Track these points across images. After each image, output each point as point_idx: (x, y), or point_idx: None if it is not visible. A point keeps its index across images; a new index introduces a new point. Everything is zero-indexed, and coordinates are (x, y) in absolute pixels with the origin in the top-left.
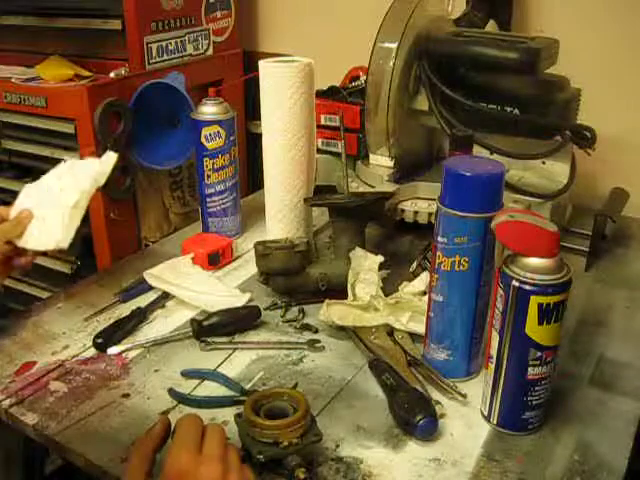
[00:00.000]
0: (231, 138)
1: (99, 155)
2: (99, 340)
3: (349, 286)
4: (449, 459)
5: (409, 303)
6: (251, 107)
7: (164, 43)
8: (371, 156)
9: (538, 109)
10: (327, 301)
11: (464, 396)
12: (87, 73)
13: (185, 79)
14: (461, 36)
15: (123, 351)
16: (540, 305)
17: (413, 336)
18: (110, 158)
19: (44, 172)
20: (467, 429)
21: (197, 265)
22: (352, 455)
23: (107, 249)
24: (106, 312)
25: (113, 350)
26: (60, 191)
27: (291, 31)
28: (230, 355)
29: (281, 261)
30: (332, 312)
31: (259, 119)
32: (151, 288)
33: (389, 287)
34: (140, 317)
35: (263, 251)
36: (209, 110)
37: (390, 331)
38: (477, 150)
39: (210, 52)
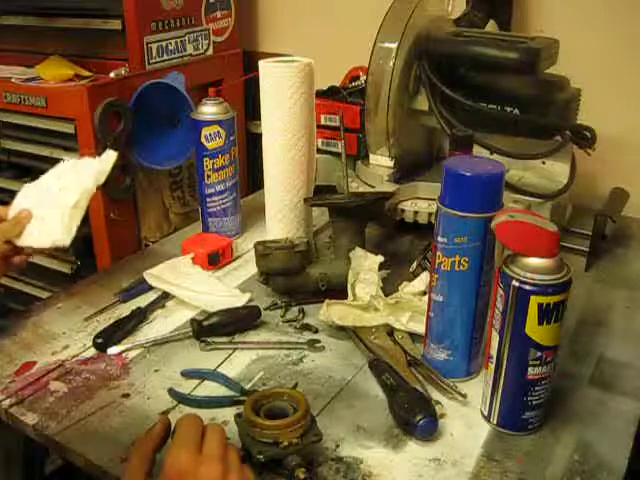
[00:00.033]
0: (231, 138)
1: (99, 155)
2: (99, 340)
3: (349, 286)
4: (449, 459)
5: (409, 303)
6: (251, 107)
7: (164, 43)
8: (371, 156)
9: (538, 109)
10: (327, 301)
11: (464, 396)
12: (87, 73)
13: (185, 79)
14: (461, 36)
15: (123, 351)
16: (540, 305)
17: (413, 336)
18: (110, 156)
19: (44, 172)
20: (467, 429)
21: (197, 265)
22: (352, 455)
23: (107, 249)
24: (106, 312)
25: (113, 350)
26: (59, 191)
27: (291, 31)
28: (230, 355)
29: (281, 261)
30: (332, 312)
31: (259, 119)
32: (151, 288)
33: (389, 287)
34: (140, 317)
35: (263, 251)
36: (209, 110)
37: (390, 331)
38: (477, 150)
39: (210, 52)
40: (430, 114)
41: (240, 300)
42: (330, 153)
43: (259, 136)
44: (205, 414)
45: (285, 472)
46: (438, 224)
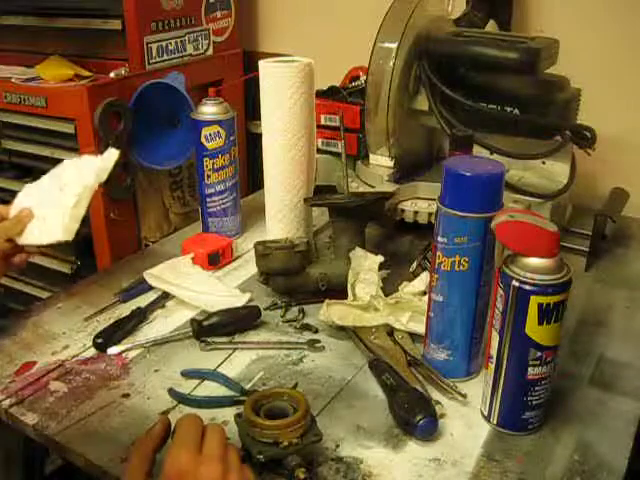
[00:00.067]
0: (231, 138)
1: (100, 154)
2: (99, 340)
3: (349, 286)
4: (449, 459)
5: (409, 303)
6: (251, 107)
7: (164, 43)
8: (371, 156)
9: (538, 109)
10: (327, 301)
11: (464, 396)
12: (87, 73)
13: (185, 79)
14: (461, 36)
15: (123, 351)
16: (540, 305)
17: (413, 336)
18: (112, 154)
19: (44, 172)
20: (467, 429)
21: (197, 265)
22: (352, 455)
23: (107, 249)
24: (106, 312)
25: (113, 350)
26: (60, 190)
27: (291, 31)
28: (230, 355)
29: (281, 261)
30: (332, 312)
31: (259, 119)
32: (151, 288)
33: (389, 287)
34: (140, 317)
35: (263, 251)
36: (209, 110)
37: (390, 331)
38: (477, 150)
39: (210, 52)
40: (430, 114)
41: (240, 300)
42: (330, 153)
43: (259, 136)
44: (205, 414)
45: (285, 472)
46: (438, 224)
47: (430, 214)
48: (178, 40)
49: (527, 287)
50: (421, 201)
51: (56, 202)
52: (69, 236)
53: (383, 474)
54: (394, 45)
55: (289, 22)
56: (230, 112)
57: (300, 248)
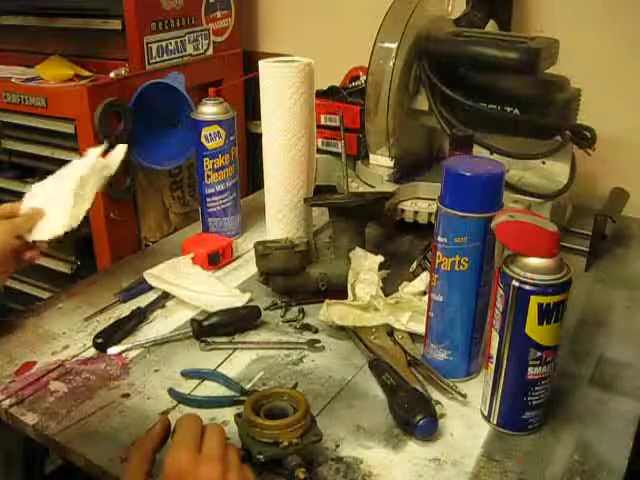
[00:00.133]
0: (231, 138)
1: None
2: (99, 340)
3: (349, 286)
4: (449, 459)
5: (409, 303)
6: (251, 107)
7: (164, 43)
8: (371, 156)
9: (538, 109)
10: (327, 301)
11: (464, 396)
12: (87, 73)
13: (185, 79)
14: (461, 36)
15: (123, 351)
16: (540, 305)
17: (413, 336)
18: (120, 149)
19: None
20: (467, 429)
21: (197, 265)
22: (352, 455)
23: (107, 249)
24: (106, 312)
25: (113, 350)
26: (62, 187)
27: (291, 31)
28: (230, 355)
29: (281, 261)
30: (332, 312)
31: (259, 119)
32: (151, 288)
33: (389, 287)
34: (140, 317)
35: (263, 251)
36: (209, 110)
37: (390, 331)
38: (477, 150)
39: (210, 52)
40: (430, 114)
41: (240, 300)
42: (330, 153)
43: (259, 136)
44: (205, 414)
45: (285, 472)
46: (438, 224)
47: (430, 214)
48: (178, 40)
49: (527, 287)
50: (421, 201)
51: (59, 199)
52: (74, 222)
53: (383, 474)
54: (394, 45)
55: (289, 22)
56: (230, 112)
57: (300, 248)
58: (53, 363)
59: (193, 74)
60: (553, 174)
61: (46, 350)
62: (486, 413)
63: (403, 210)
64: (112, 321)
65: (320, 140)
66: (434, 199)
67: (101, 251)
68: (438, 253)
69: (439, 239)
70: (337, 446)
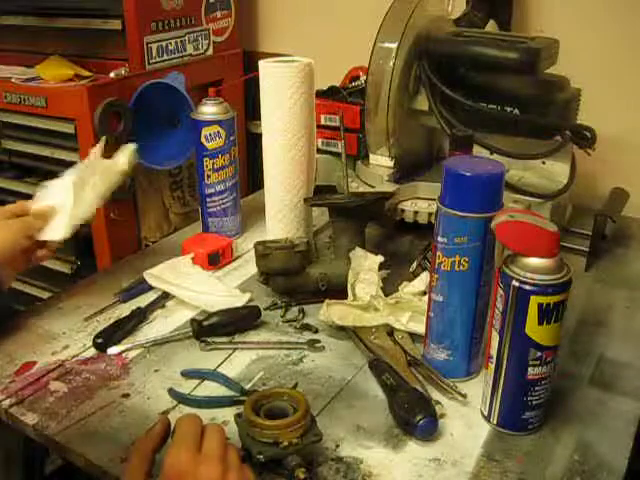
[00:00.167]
0: (231, 138)
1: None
2: (99, 340)
3: (349, 286)
4: (449, 459)
5: (409, 303)
6: (251, 107)
7: (164, 43)
8: (371, 156)
9: (538, 109)
10: (327, 301)
11: (464, 396)
12: (87, 73)
13: (185, 79)
14: (461, 36)
15: (123, 351)
16: (540, 305)
17: (413, 336)
18: (127, 149)
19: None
20: (467, 429)
21: (197, 265)
22: (352, 455)
23: (107, 249)
24: (106, 312)
25: (113, 350)
26: (65, 188)
27: (291, 31)
28: (230, 355)
29: (281, 261)
30: (332, 312)
31: (259, 119)
32: (151, 288)
33: (389, 287)
34: (140, 317)
35: (263, 251)
36: (209, 110)
37: (390, 331)
38: (477, 150)
39: (210, 52)
40: (430, 114)
41: (240, 300)
42: (330, 153)
43: (259, 136)
44: (205, 414)
45: (285, 472)
46: (438, 224)
47: (430, 214)
48: (178, 40)
49: (527, 287)
50: (421, 201)
51: (64, 200)
52: (65, 234)
53: (383, 474)
54: (394, 45)
55: (289, 22)
56: (230, 112)
57: (300, 248)
58: (53, 363)
59: (193, 74)
60: (553, 174)
61: (46, 350)
62: (486, 413)
63: (403, 210)
64: (112, 321)
65: (320, 140)
66: (434, 199)
67: (101, 251)
68: (438, 253)
69: (439, 239)
70: (337, 446)
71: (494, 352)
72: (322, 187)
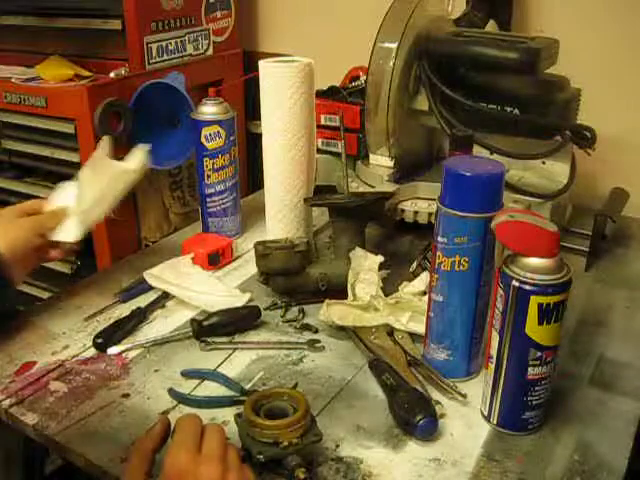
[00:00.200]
0: (231, 138)
1: None
2: (99, 340)
3: (349, 286)
4: (449, 459)
5: (409, 303)
6: (251, 107)
7: (164, 43)
8: (371, 156)
9: (538, 109)
10: (327, 301)
11: (464, 396)
12: (87, 73)
13: (185, 79)
14: (461, 36)
15: (123, 351)
16: (540, 305)
17: (413, 336)
18: (139, 151)
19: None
20: (467, 429)
21: (197, 265)
22: (352, 455)
23: (107, 249)
24: (106, 312)
25: (113, 350)
26: (80, 190)
27: (291, 31)
28: (230, 355)
29: (281, 261)
30: (332, 312)
31: (259, 119)
32: (151, 288)
33: (389, 287)
34: (140, 317)
35: (263, 251)
36: (209, 110)
37: (390, 331)
38: (477, 150)
39: (210, 52)
40: (430, 114)
41: (240, 300)
42: (330, 153)
43: (259, 136)
44: (205, 414)
45: (285, 472)
46: (438, 224)
47: (430, 214)
48: (178, 40)
49: (527, 287)
50: (421, 201)
51: (76, 202)
52: (74, 237)
53: (383, 474)
54: (394, 45)
55: (289, 22)
56: (230, 112)
57: (300, 248)
58: (53, 363)
59: (193, 74)
60: (553, 174)
61: (46, 350)
62: (486, 413)
63: (403, 210)
64: (112, 321)
65: (320, 140)
66: (434, 199)
67: (101, 251)
68: (438, 253)
69: (439, 239)
70: (337, 446)
71: (494, 352)
72: (322, 187)
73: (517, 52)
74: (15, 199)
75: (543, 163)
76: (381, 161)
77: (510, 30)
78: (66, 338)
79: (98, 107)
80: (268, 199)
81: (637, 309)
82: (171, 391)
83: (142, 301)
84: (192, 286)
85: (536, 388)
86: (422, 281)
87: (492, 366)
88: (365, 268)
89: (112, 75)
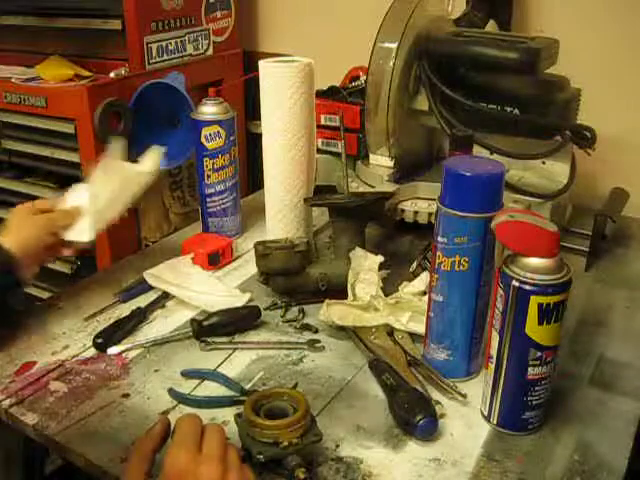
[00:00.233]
0: (231, 138)
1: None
2: (99, 340)
3: (349, 286)
4: (449, 459)
5: (409, 303)
6: (251, 107)
7: (164, 43)
8: (371, 156)
9: (538, 109)
10: (327, 301)
11: (464, 396)
12: (87, 73)
13: (185, 79)
14: (461, 36)
15: (123, 351)
16: (540, 305)
17: (413, 336)
18: (154, 152)
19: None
20: (467, 429)
21: (197, 265)
22: (352, 455)
23: (107, 249)
24: (106, 312)
25: (113, 350)
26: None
27: (291, 31)
28: (230, 355)
29: (281, 261)
30: (332, 312)
31: (259, 119)
32: (151, 288)
33: (389, 287)
34: (140, 317)
35: (263, 251)
36: (209, 110)
37: (390, 331)
38: (477, 150)
39: (210, 52)
40: (430, 114)
41: (240, 300)
42: (330, 153)
43: (259, 136)
44: (205, 414)
45: (285, 472)
46: (438, 224)
47: (430, 214)
48: (178, 40)
49: (527, 287)
50: (421, 201)
51: (89, 203)
52: (88, 237)
53: (383, 474)
54: (394, 45)
55: (289, 22)
56: (230, 112)
57: (300, 248)
58: (53, 363)
59: (193, 74)
60: (553, 174)
61: (46, 350)
62: (486, 413)
63: (403, 210)
64: (112, 321)
65: (320, 140)
66: (434, 199)
67: (101, 251)
68: (438, 253)
69: (439, 239)
70: (337, 446)
71: (494, 352)
72: (322, 187)
73: (517, 52)
74: (15, 199)
75: (543, 163)
76: (381, 161)
77: (510, 30)
78: (66, 338)
79: (98, 107)
80: (268, 199)
81: (637, 309)
82: (171, 391)
83: (142, 301)
84: (192, 286)
85: (536, 388)
86: (422, 281)
87: (492, 366)
88: (365, 268)
89: (112, 75)
